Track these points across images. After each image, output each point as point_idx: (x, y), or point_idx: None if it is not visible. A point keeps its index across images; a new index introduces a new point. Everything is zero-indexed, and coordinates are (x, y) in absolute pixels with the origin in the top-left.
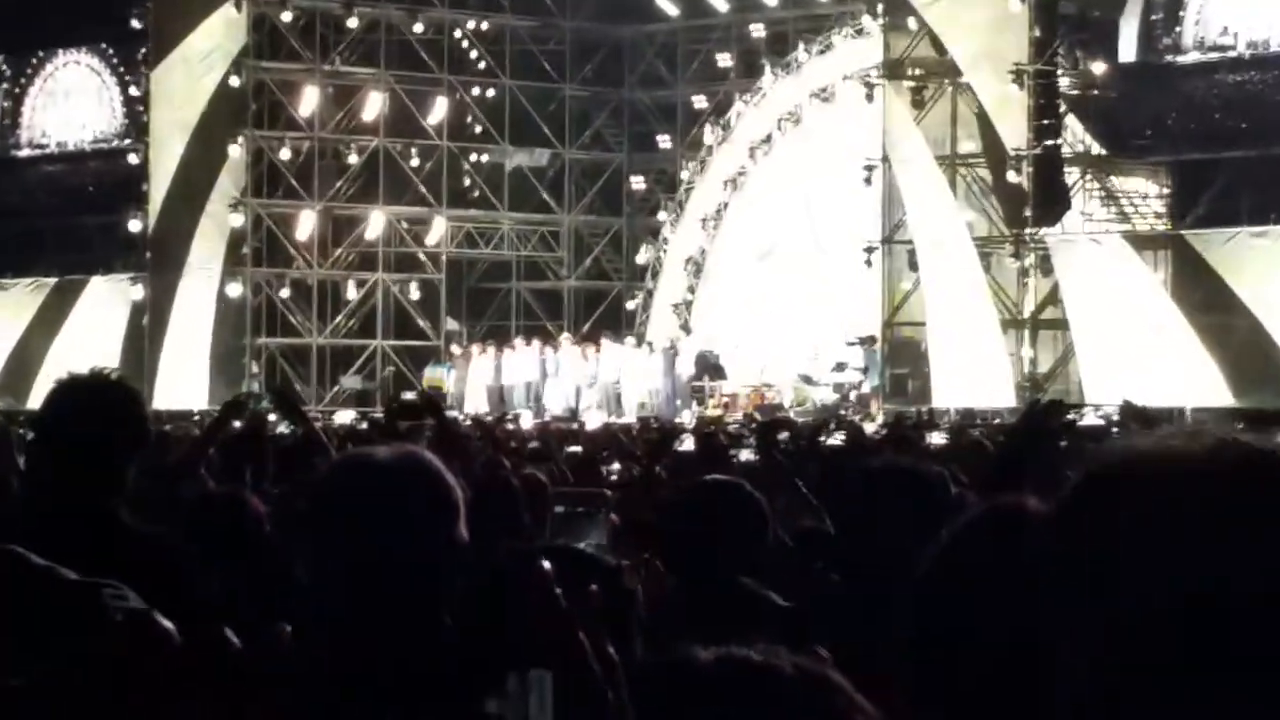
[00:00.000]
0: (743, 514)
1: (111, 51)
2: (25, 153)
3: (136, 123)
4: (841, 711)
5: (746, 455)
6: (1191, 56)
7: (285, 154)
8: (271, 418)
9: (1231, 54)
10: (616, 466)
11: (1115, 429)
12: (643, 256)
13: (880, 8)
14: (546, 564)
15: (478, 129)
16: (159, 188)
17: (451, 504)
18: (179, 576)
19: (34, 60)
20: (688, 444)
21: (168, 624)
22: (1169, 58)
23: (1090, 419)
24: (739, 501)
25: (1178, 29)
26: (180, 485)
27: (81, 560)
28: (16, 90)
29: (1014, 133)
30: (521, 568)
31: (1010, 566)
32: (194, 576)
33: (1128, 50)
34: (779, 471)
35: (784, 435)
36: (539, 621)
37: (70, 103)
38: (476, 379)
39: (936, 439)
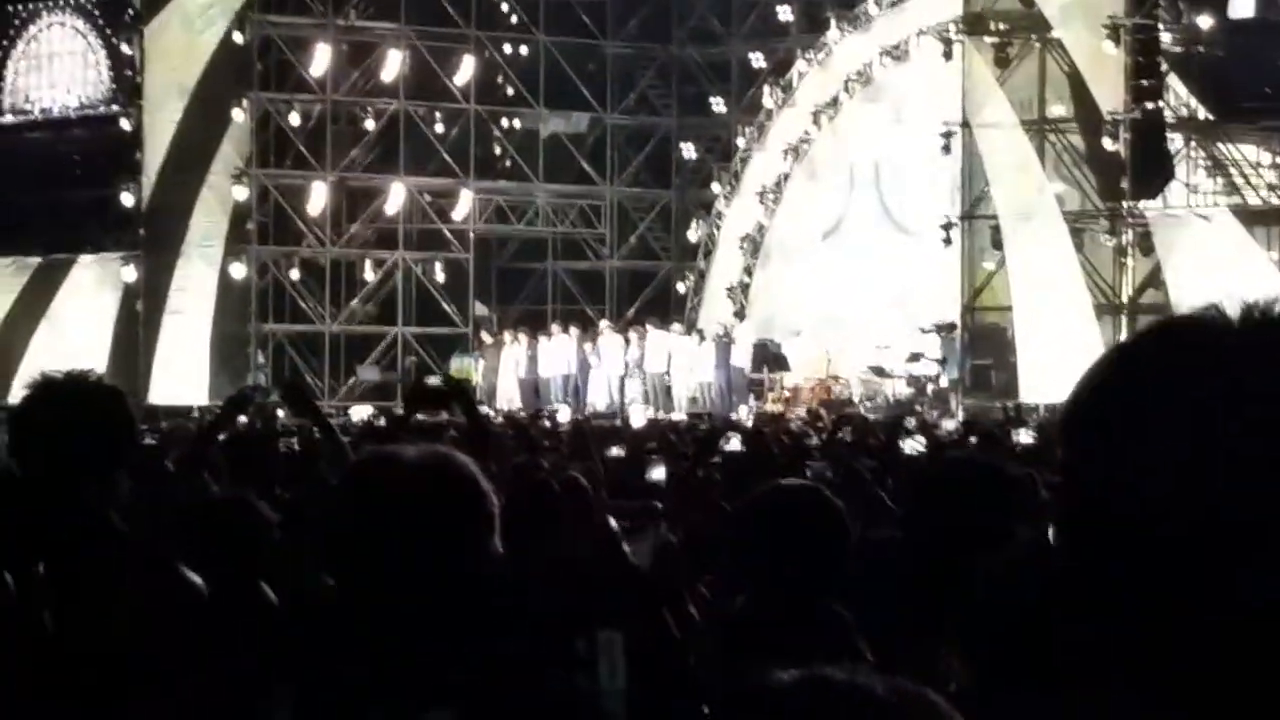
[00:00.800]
0: (821, 523)
1: (99, 10)
2: (7, 119)
3: (128, 86)
4: None
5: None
6: None
7: (295, 119)
8: (281, 414)
9: None
10: (662, 471)
11: None
12: (694, 234)
13: None
14: (614, 523)
15: (509, 91)
16: (154, 157)
17: (484, 512)
18: (172, 584)
19: (15, 22)
20: (734, 443)
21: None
22: None
23: None
24: (817, 508)
25: None
26: (178, 489)
27: (68, 566)
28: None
29: (1110, 95)
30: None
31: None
32: (187, 584)
33: (1244, 6)
34: (853, 477)
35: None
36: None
37: (55, 66)
38: (508, 370)
39: (1024, 438)
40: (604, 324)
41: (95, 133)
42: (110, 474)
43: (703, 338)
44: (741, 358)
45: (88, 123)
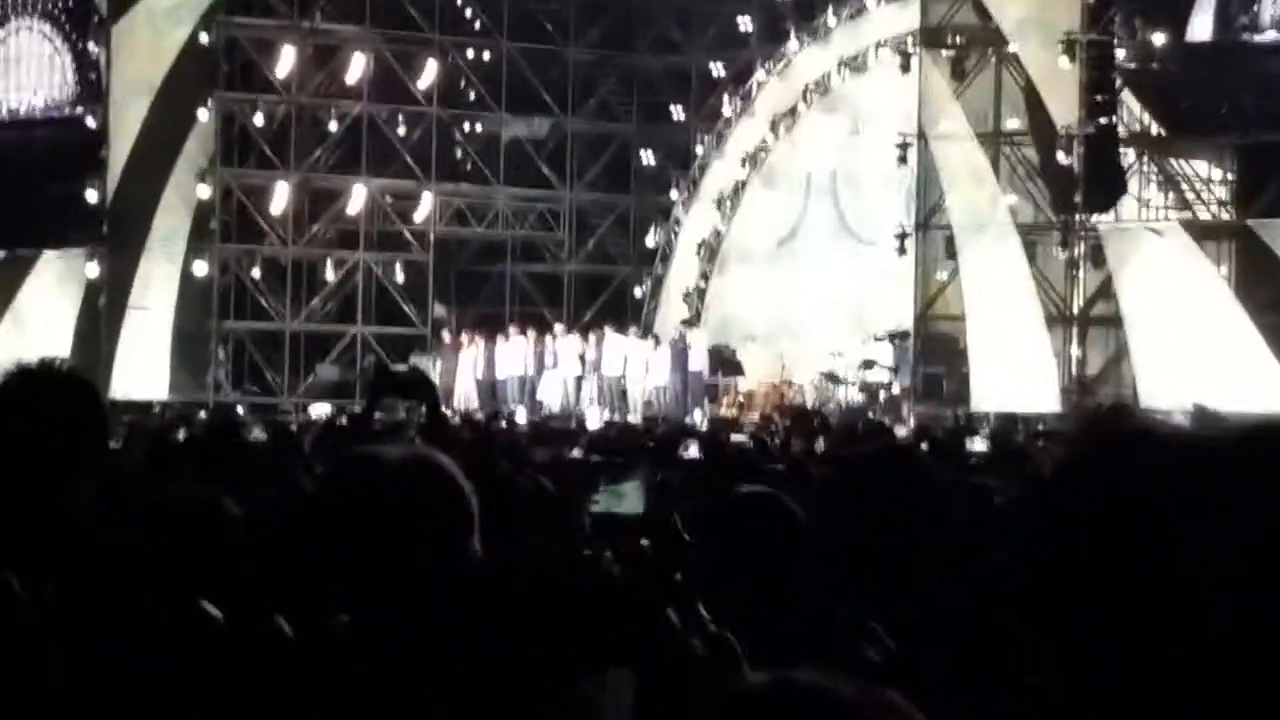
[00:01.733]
0: (777, 531)
1: (66, 10)
2: None
3: (94, 84)
4: None
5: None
6: (1269, 35)
7: (259, 119)
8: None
9: None
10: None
11: None
12: (651, 239)
13: None
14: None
15: (471, 95)
16: (119, 155)
17: (465, 512)
18: (142, 584)
19: None
20: (692, 450)
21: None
22: (1244, 36)
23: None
24: (775, 516)
25: (1255, 6)
26: (141, 488)
27: (38, 568)
28: None
29: (1064, 109)
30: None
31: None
32: (158, 586)
33: (1203, 26)
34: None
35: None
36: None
37: (21, 69)
38: (465, 371)
39: (977, 445)
40: (560, 326)
41: (60, 131)
42: (82, 471)
43: (658, 342)
44: (698, 362)
45: (53, 122)
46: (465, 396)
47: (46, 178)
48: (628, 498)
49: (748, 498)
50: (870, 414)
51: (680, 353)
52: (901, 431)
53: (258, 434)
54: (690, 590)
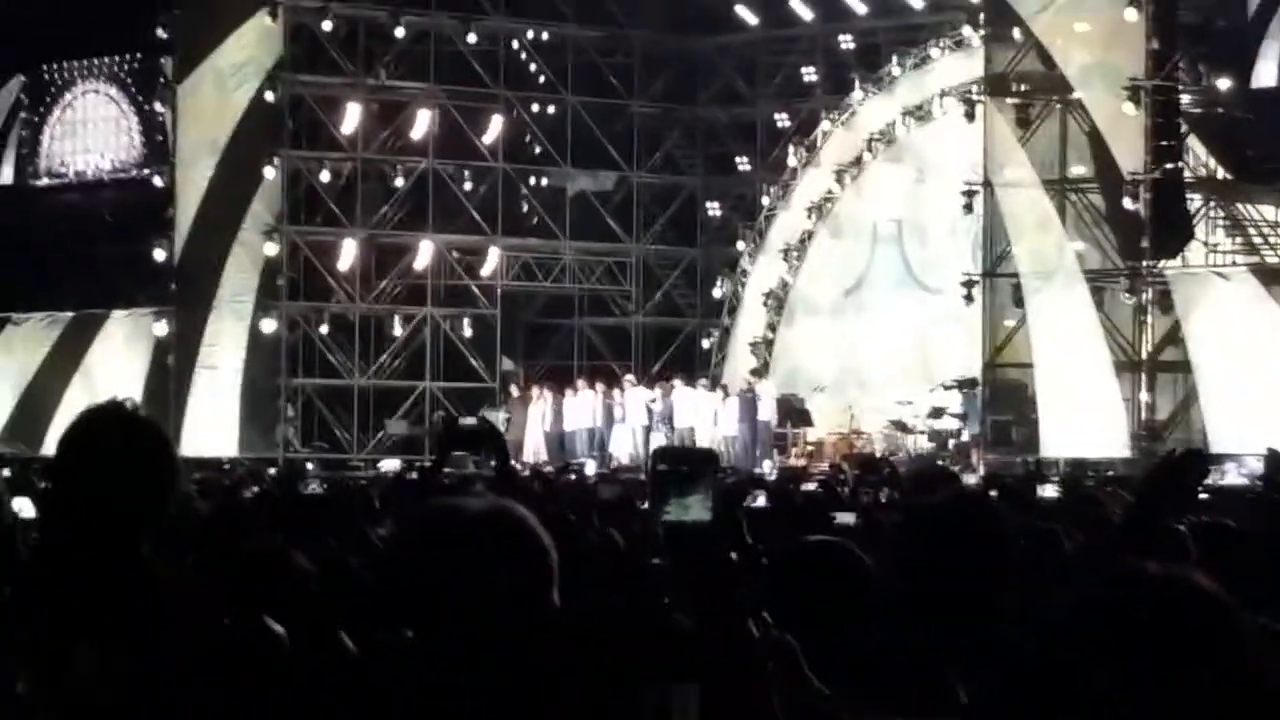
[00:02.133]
0: (845, 578)
1: (132, 73)
2: (43, 181)
3: (160, 145)
4: None
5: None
6: None
7: (325, 176)
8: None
9: None
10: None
11: (1260, 483)
12: (719, 290)
13: (982, 17)
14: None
15: (537, 149)
16: (186, 213)
17: (545, 565)
18: (204, 627)
19: (51, 90)
20: (760, 500)
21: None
22: None
23: (1232, 476)
24: (843, 564)
25: None
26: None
27: (103, 613)
28: (35, 119)
29: (1130, 155)
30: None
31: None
32: (218, 627)
33: (1268, 72)
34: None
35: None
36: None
37: (89, 132)
38: (534, 424)
39: (1048, 492)
40: (630, 378)
41: (128, 192)
42: (155, 511)
43: (727, 393)
44: (766, 412)
45: (120, 184)
46: (535, 449)
47: (113, 238)
48: (693, 508)
49: (815, 546)
50: (939, 462)
51: (749, 403)
52: (971, 479)
53: (315, 488)
54: (755, 595)
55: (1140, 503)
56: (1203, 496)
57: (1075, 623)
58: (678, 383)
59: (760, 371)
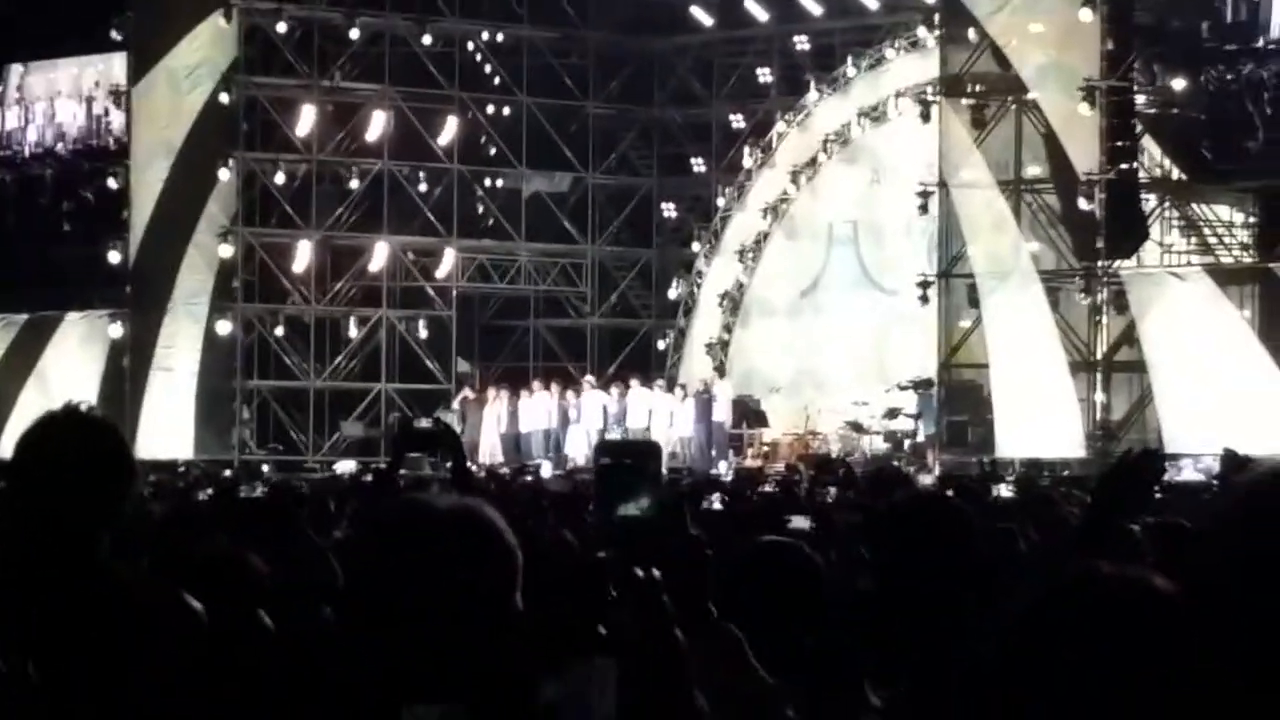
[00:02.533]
0: (800, 579)
1: (88, 67)
2: None
3: (114, 145)
4: None
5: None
6: None
7: (280, 178)
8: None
9: None
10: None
11: (1215, 482)
12: (674, 292)
13: (937, 18)
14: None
15: (492, 151)
16: (141, 215)
17: (511, 568)
18: (162, 626)
19: (3, 73)
20: (716, 503)
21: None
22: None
23: (1189, 473)
24: (797, 566)
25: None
26: (164, 543)
27: (63, 615)
28: None
29: (1085, 155)
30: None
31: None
32: (178, 626)
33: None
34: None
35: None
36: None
37: (43, 122)
38: (490, 426)
39: (1003, 492)
40: (587, 379)
41: (83, 190)
42: (110, 512)
43: (684, 394)
44: (721, 413)
45: (76, 180)
46: (490, 451)
47: (69, 239)
48: (637, 502)
49: (769, 547)
50: (895, 462)
51: (705, 404)
52: (926, 479)
53: (259, 492)
54: (698, 582)
55: (1097, 503)
56: (1158, 495)
57: (1032, 622)
58: (634, 383)
59: (717, 371)
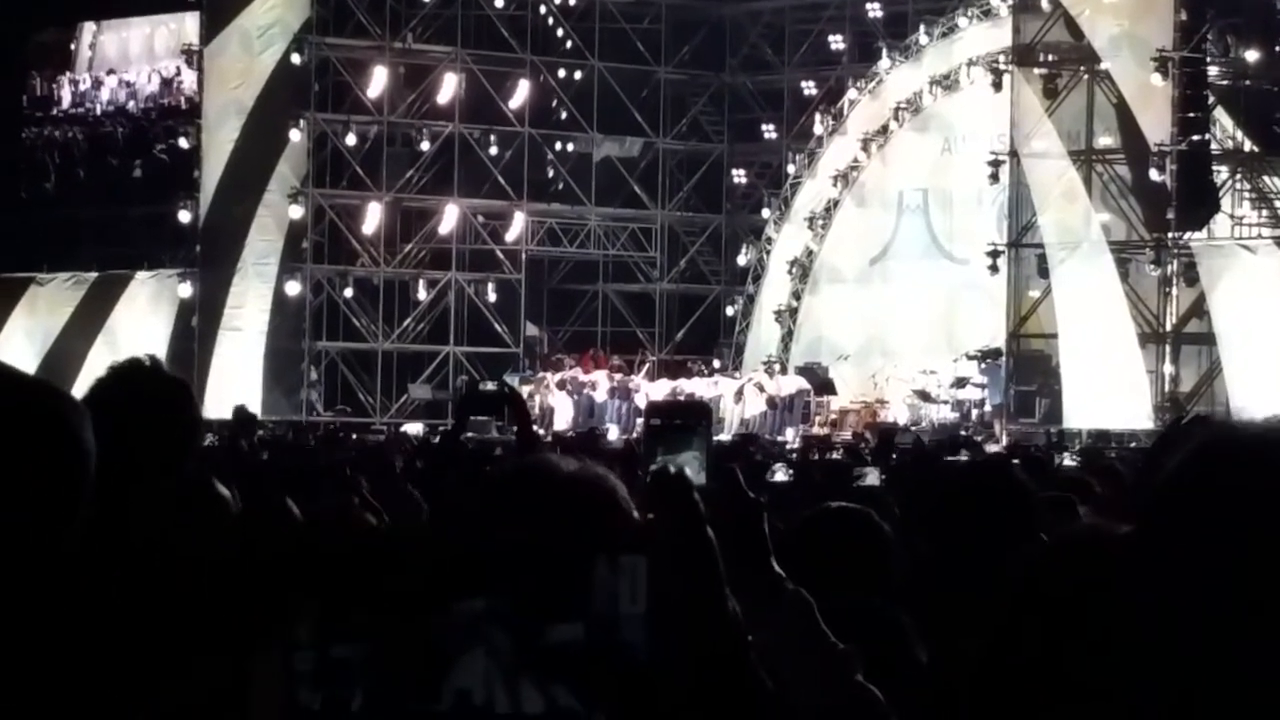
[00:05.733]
0: (868, 543)
1: (161, 26)
2: (64, 132)
3: (185, 104)
4: None
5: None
6: None
7: (351, 139)
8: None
9: None
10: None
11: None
12: (743, 258)
13: None
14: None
15: (563, 115)
16: (211, 175)
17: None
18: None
19: (76, 32)
20: (779, 474)
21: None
22: None
23: None
24: (865, 530)
25: None
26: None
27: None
28: (57, 60)
29: (1157, 126)
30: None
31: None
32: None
33: None
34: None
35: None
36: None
37: (115, 81)
38: (562, 395)
39: (1068, 462)
40: (645, 368)
41: (155, 149)
42: (176, 464)
43: (741, 388)
44: (789, 381)
45: (147, 139)
46: (564, 418)
47: (139, 198)
48: (687, 466)
49: (836, 512)
50: (963, 432)
51: (768, 399)
52: (993, 448)
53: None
54: (759, 547)
55: (1150, 465)
56: None
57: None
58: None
59: (770, 369)
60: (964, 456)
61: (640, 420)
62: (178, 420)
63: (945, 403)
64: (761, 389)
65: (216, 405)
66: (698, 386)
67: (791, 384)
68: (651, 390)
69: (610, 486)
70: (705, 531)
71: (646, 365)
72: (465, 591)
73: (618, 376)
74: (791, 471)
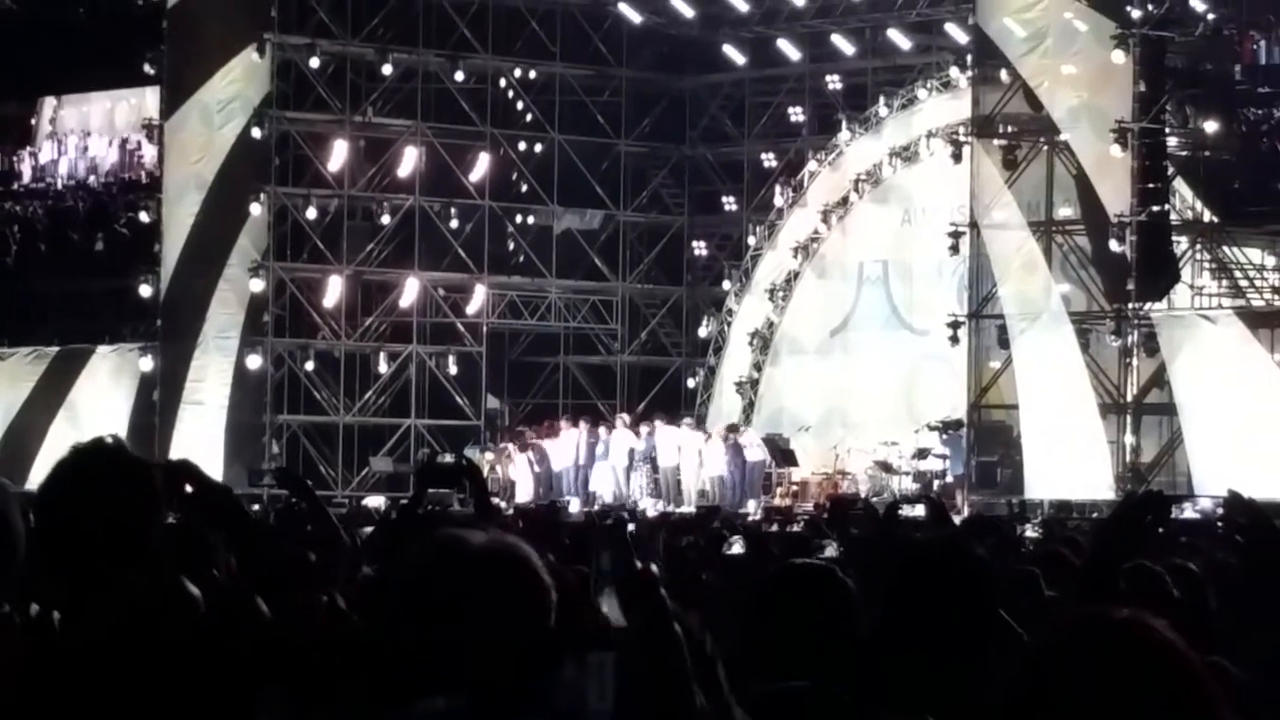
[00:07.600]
0: (833, 602)
1: (121, 100)
2: (24, 206)
3: (146, 178)
4: None
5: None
6: None
7: (311, 213)
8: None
9: None
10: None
11: (1219, 524)
12: (704, 330)
13: (969, 59)
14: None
15: (523, 188)
16: (172, 249)
17: (544, 604)
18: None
19: (37, 107)
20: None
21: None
22: None
23: (1190, 512)
24: (830, 588)
25: None
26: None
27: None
28: (18, 135)
29: (1116, 197)
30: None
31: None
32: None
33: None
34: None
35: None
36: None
37: (76, 154)
38: (523, 466)
39: (1030, 533)
40: (621, 417)
41: (115, 223)
42: (140, 544)
43: (708, 435)
44: (756, 455)
45: (108, 213)
46: (525, 490)
47: (100, 272)
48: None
49: (802, 569)
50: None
51: (734, 446)
52: (955, 520)
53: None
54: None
55: (1097, 545)
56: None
57: (1033, 667)
58: (658, 423)
59: (736, 427)
60: (920, 509)
61: (624, 462)
62: (140, 502)
63: (907, 474)
64: (729, 434)
65: None
66: (665, 434)
67: (757, 440)
68: (619, 439)
69: (524, 555)
70: (673, 628)
71: (621, 418)
72: (419, 690)
73: (600, 431)
74: (747, 545)
